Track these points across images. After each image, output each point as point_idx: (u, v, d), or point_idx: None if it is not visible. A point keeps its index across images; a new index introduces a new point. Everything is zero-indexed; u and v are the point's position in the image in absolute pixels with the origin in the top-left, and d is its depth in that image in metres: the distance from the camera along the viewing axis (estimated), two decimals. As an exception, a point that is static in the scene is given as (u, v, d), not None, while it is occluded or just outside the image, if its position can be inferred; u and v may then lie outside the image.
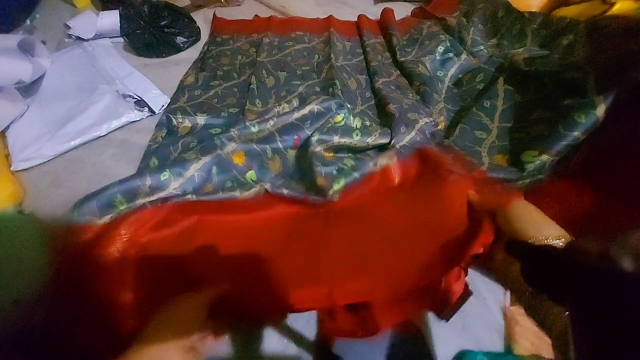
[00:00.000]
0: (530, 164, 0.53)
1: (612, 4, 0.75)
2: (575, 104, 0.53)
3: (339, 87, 0.75)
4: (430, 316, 0.49)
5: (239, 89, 0.79)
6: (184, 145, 0.62)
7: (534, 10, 0.91)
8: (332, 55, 0.85)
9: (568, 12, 0.84)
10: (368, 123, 0.68)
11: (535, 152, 0.54)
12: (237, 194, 0.53)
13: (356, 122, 0.67)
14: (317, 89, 0.78)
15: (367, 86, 0.81)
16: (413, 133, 0.62)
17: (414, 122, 0.65)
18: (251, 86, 0.75)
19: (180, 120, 0.69)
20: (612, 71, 0.53)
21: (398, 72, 0.83)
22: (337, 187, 0.55)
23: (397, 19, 1.04)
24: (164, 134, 0.68)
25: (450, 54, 0.84)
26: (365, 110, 0.74)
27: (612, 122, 0.50)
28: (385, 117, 0.69)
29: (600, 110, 0.50)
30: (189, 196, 0.51)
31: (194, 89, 0.78)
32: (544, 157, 0.53)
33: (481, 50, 0.86)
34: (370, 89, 0.80)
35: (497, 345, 0.46)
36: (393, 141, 0.62)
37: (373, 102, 0.77)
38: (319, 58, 0.88)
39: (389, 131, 0.64)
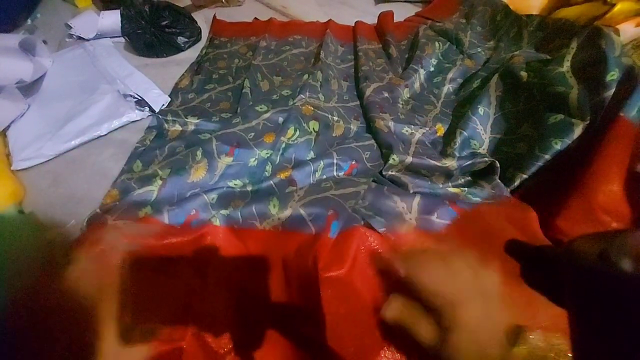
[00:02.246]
0: (512, 181, 0.55)
1: (613, 5, 0.75)
2: (556, 127, 0.54)
3: (319, 79, 0.75)
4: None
5: (233, 93, 0.78)
6: (170, 150, 0.62)
7: (534, 12, 0.91)
8: (321, 52, 0.85)
9: (569, 12, 0.84)
10: (336, 118, 0.68)
11: (512, 170, 0.56)
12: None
13: (312, 126, 0.66)
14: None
15: (348, 91, 0.80)
16: (412, 148, 0.61)
17: (410, 137, 0.65)
18: (244, 90, 0.74)
19: (171, 124, 0.69)
20: (595, 92, 0.53)
21: (391, 75, 0.82)
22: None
23: (395, 20, 1.04)
24: (153, 137, 0.67)
25: (446, 64, 0.84)
26: (337, 107, 0.73)
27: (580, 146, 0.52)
28: (373, 133, 0.67)
29: (577, 134, 0.52)
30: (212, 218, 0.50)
31: (188, 92, 0.77)
32: (519, 176, 0.54)
33: (479, 52, 0.86)
34: (350, 94, 0.79)
35: (496, 346, 0.46)
36: (398, 162, 0.58)
37: (349, 104, 0.75)
38: (315, 62, 0.87)
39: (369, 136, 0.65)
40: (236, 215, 0.51)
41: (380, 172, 0.59)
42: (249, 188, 0.56)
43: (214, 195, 0.53)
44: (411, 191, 0.55)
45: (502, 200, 0.52)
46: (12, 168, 0.62)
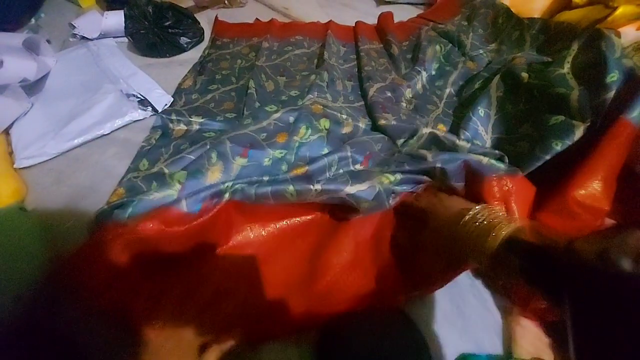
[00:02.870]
0: None
1: (615, 8, 0.76)
2: (556, 128, 0.54)
3: (325, 80, 0.75)
4: (432, 318, 0.49)
5: (236, 93, 0.78)
6: (175, 148, 0.62)
7: (536, 15, 0.92)
8: (325, 53, 0.85)
9: (571, 15, 0.84)
10: (345, 117, 0.68)
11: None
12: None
13: (324, 124, 0.66)
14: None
15: (353, 91, 0.80)
16: (423, 140, 0.63)
17: (418, 128, 0.65)
18: (249, 91, 0.74)
19: (175, 123, 0.69)
20: (595, 93, 0.53)
21: (393, 75, 0.82)
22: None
23: (396, 22, 1.05)
24: (158, 136, 0.68)
25: (447, 67, 0.84)
26: (344, 107, 0.73)
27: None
28: (380, 130, 0.68)
29: (578, 136, 0.52)
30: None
31: (192, 93, 0.78)
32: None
33: (480, 54, 0.86)
34: (355, 94, 0.79)
35: (497, 347, 0.46)
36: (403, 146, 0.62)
37: (355, 105, 0.76)
38: (318, 63, 0.87)
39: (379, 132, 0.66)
40: (250, 192, 0.53)
41: (398, 151, 0.62)
42: (266, 178, 0.57)
43: (229, 184, 0.55)
44: (431, 160, 0.57)
45: (513, 175, 0.53)
46: (14, 166, 0.62)
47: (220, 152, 0.58)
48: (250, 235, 0.55)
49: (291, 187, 0.53)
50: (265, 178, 0.56)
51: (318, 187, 0.53)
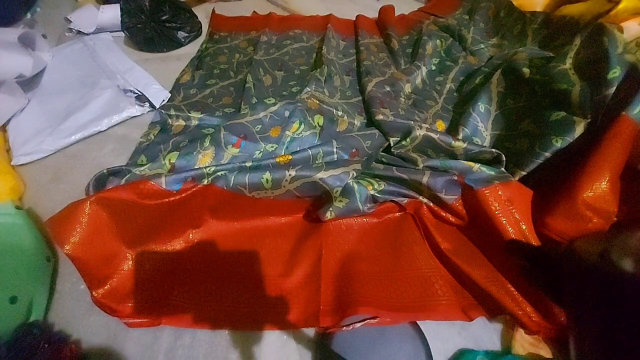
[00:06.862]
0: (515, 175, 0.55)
1: (617, 3, 0.75)
2: (557, 124, 0.54)
3: (324, 74, 0.75)
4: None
5: (235, 88, 0.78)
6: (174, 144, 0.62)
7: (538, 9, 0.90)
8: (324, 47, 0.85)
9: (573, 9, 0.83)
10: (340, 113, 0.68)
11: (512, 166, 0.56)
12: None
13: (317, 120, 0.66)
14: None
15: (350, 86, 0.80)
16: (417, 142, 0.61)
17: (412, 129, 0.64)
18: (247, 85, 0.74)
19: (174, 119, 0.69)
20: (596, 89, 0.52)
21: (393, 69, 0.82)
22: (330, 215, 0.53)
23: (397, 15, 1.04)
24: (157, 132, 0.67)
25: (447, 62, 0.84)
26: (340, 103, 0.72)
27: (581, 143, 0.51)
28: (376, 125, 0.67)
29: (578, 132, 0.51)
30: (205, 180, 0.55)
31: (190, 88, 0.78)
32: (518, 173, 0.55)
33: (482, 48, 0.86)
34: (353, 89, 0.79)
35: (495, 344, 0.46)
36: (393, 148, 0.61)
37: (352, 100, 0.75)
38: (316, 57, 0.87)
39: (374, 128, 0.65)
40: (229, 178, 0.55)
41: (388, 151, 0.61)
42: (248, 164, 0.57)
43: (212, 169, 0.56)
44: (421, 166, 0.56)
45: (506, 183, 0.51)
46: (12, 163, 0.62)
47: (214, 138, 0.59)
48: (221, 226, 0.53)
49: (267, 174, 0.54)
50: (248, 164, 0.57)
51: (292, 172, 0.54)
